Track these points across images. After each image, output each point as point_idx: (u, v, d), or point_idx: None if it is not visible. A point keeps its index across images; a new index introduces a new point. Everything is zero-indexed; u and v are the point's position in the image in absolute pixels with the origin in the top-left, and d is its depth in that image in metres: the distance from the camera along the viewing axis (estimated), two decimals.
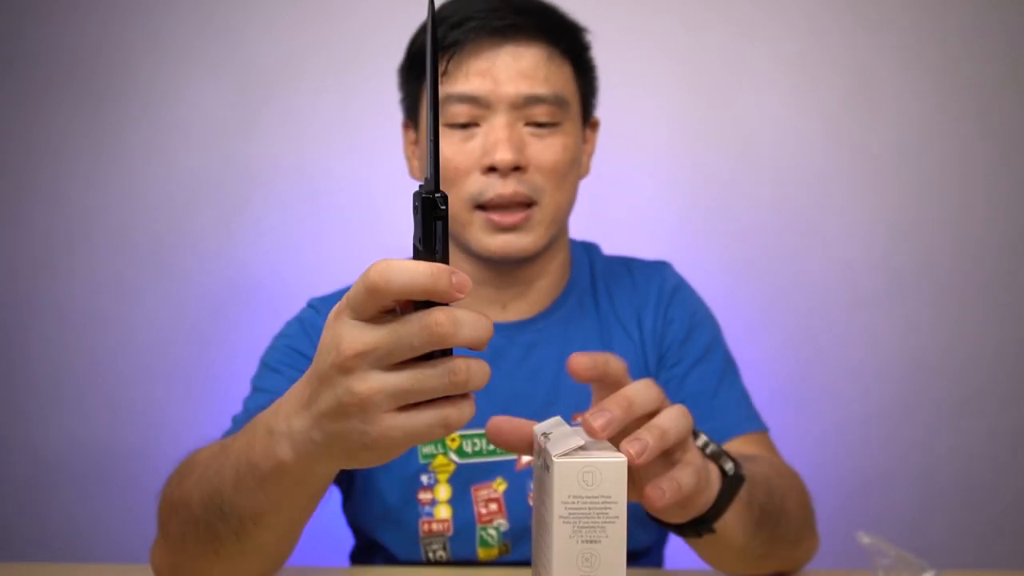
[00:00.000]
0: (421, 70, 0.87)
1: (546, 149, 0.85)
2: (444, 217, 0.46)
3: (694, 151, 1.53)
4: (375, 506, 0.91)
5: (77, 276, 1.60)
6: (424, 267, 0.43)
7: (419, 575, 0.88)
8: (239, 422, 0.84)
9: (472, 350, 0.45)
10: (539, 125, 0.85)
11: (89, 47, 1.58)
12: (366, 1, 1.54)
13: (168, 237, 1.57)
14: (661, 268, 1.00)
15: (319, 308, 0.94)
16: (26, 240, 1.60)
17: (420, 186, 0.46)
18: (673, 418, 0.53)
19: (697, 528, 0.61)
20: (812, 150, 1.53)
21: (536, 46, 0.85)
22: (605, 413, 0.51)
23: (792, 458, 0.89)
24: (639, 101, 1.53)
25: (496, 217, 0.84)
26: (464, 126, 0.84)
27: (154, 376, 1.59)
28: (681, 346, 0.93)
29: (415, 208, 0.45)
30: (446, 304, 0.44)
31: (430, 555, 0.89)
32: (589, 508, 0.47)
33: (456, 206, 0.85)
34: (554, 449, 0.48)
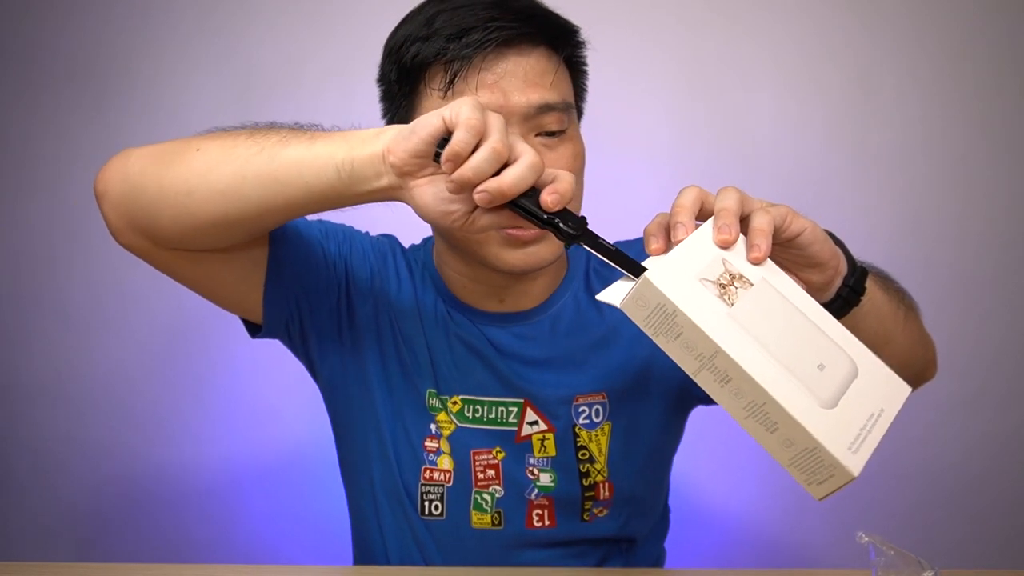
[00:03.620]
0: (414, 81, 0.84)
1: (559, 159, 0.83)
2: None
3: (694, 151, 1.53)
4: (384, 449, 0.92)
5: (78, 276, 1.60)
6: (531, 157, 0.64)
7: (419, 575, 0.89)
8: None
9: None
10: (549, 134, 0.83)
11: (89, 47, 1.58)
12: (366, 1, 1.54)
13: None
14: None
15: (388, 248, 0.97)
16: (26, 240, 1.60)
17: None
18: (724, 196, 0.67)
19: (855, 279, 0.73)
20: (812, 150, 1.53)
21: (538, 53, 0.83)
22: (651, 238, 0.66)
23: None
24: (639, 101, 1.53)
25: (516, 232, 0.82)
26: None
27: (155, 376, 1.59)
28: None
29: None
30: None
31: (427, 506, 0.90)
32: (658, 318, 0.57)
33: None
34: (616, 300, 0.60)
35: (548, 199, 0.63)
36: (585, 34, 0.90)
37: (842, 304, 0.73)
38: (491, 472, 0.90)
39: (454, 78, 0.80)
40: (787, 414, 0.55)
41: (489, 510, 0.90)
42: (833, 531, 1.41)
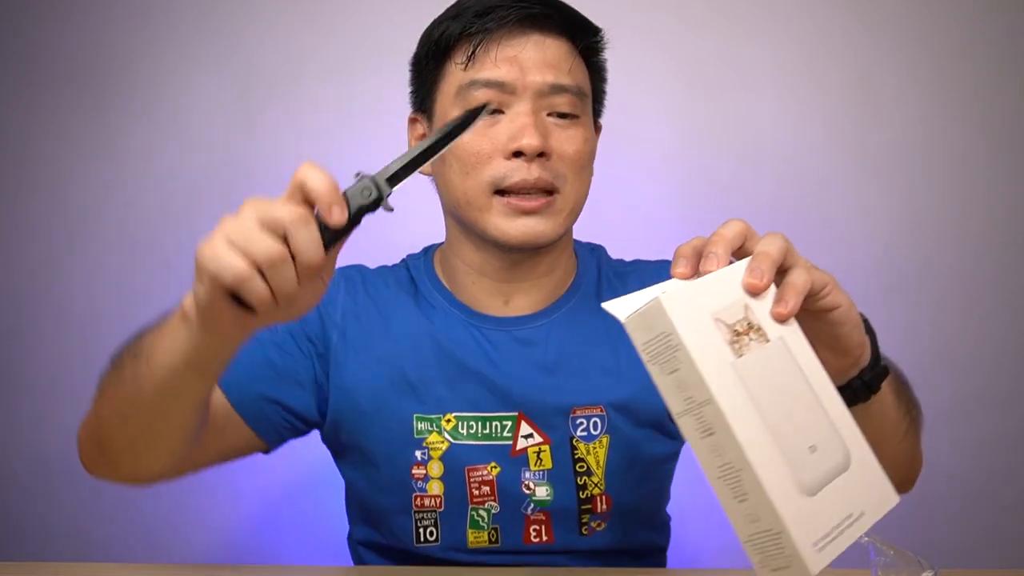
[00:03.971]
0: (441, 57, 0.87)
1: (569, 139, 0.86)
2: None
3: (694, 151, 1.53)
4: (374, 479, 0.92)
5: (77, 276, 1.60)
6: (329, 180, 0.58)
7: (419, 575, 0.89)
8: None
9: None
10: (561, 116, 0.86)
11: (89, 47, 1.58)
12: (366, 1, 1.54)
13: (168, 237, 1.57)
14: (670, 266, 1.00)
15: (335, 274, 0.97)
16: (26, 240, 1.60)
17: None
18: (768, 240, 0.60)
19: (873, 376, 0.67)
20: (812, 150, 1.53)
21: (559, 41, 0.87)
22: (680, 260, 0.60)
23: None
24: (639, 101, 1.53)
25: (517, 201, 0.84)
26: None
27: None
28: None
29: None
30: None
31: (421, 532, 0.90)
32: (658, 346, 0.53)
33: (475, 192, 0.85)
34: (621, 313, 0.55)
35: (330, 217, 0.58)
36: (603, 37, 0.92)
37: (850, 396, 0.67)
38: (486, 488, 0.88)
39: (475, 49, 0.84)
40: (762, 488, 0.51)
41: (486, 527, 0.89)
42: None
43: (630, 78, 1.51)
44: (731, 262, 0.60)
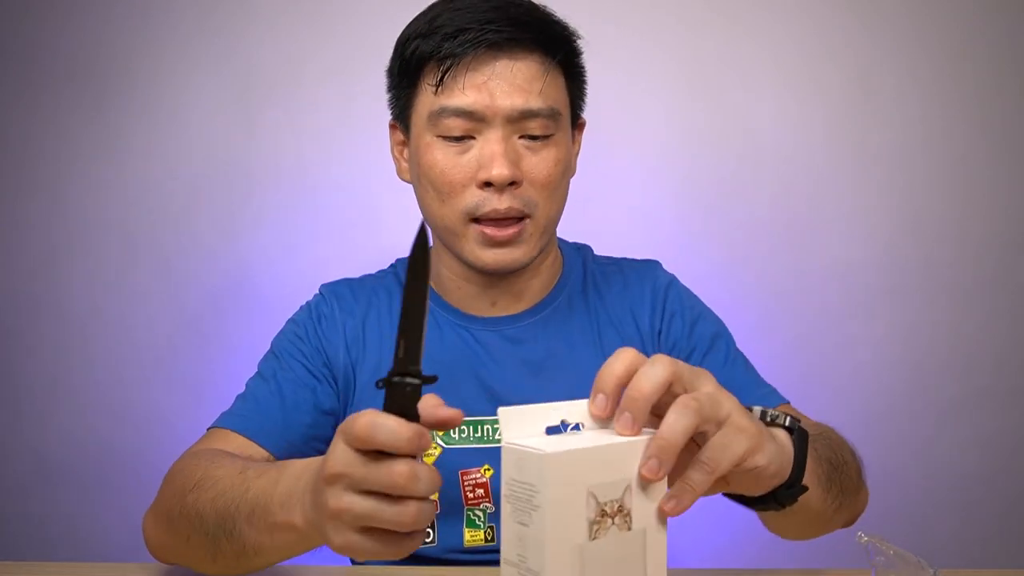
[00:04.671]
0: (413, 75, 0.87)
1: (540, 163, 0.86)
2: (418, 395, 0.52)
3: (694, 151, 1.53)
4: None
5: (77, 276, 1.60)
6: (404, 431, 0.50)
7: (418, 574, 0.89)
8: (242, 398, 0.92)
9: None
10: (532, 138, 0.85)
11: (89, 47, 1.58)
12: (366, 1, 1.54)
13: (168, 237, 1.57)
14: (652, 266, 1.01)
15: (324, 294, 0.98)
16: (26, 240, 1.60)
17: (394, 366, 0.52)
18: (676, 416, 0.51)
19: (787, 494, 0.59)
20: (812, 150, 1.53)
21: (531, 58, 0.85)
22: (599, 397, 0.55)
23: None
24: (638, 101, 1.53)
25: (490, 231, 0.85)
26: (459, 139, 0.85)
27: (154, 376, 1.59)
28: (688, 339, 0.95)
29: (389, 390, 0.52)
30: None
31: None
32: (521, 492, 0.49)
33: (451, 218, 0.86)
34: (507, 433, 0.51)
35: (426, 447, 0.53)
36: (585, 34, 0.91)
37: (761, 504, 0.63)
38: (480, 491, 0.89)
39: (444, 75, 0.83)
40: None
41: (482, 526, 0.90)
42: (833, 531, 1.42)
43: (630, 78, 1.51)
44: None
